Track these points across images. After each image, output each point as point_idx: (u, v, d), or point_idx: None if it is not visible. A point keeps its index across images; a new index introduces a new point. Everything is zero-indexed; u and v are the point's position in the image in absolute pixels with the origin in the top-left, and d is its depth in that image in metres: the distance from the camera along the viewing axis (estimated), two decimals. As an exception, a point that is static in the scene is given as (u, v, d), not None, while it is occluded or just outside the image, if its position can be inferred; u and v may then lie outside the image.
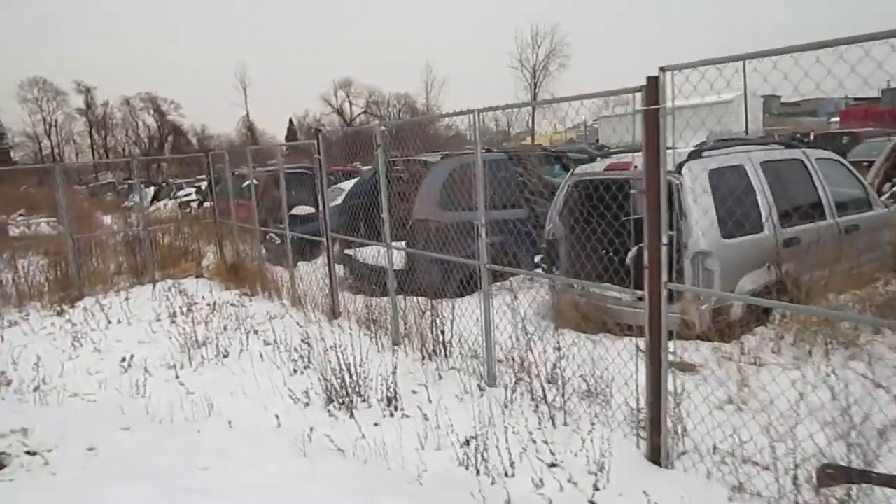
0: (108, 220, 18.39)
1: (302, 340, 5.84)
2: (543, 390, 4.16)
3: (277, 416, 4.25)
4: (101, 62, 78.00)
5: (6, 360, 6.03)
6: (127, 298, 8.51)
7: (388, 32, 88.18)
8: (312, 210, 11.16)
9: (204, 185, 19.55)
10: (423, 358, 5.35)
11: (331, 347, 5.68)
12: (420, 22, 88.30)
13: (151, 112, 61.64)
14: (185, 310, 7.55)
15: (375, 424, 4.16)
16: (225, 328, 6.70)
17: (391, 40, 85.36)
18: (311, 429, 3.97)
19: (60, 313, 8.10)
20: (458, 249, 6.85)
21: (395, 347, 5.78)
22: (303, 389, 4.73)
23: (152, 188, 26.32)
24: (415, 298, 6.52)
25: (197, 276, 9.73)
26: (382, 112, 70.54)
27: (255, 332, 6.42)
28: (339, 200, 11.19)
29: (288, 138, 66.94)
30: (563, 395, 4.13)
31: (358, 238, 7.25)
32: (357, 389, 4.60)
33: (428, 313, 5.60)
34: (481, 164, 4.82)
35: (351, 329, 6.37)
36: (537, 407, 4.13)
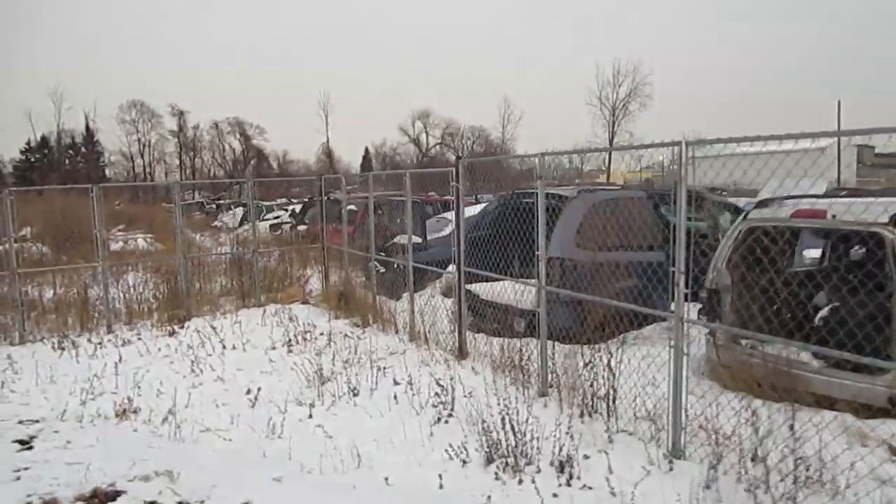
0: (198, 238, 18.72)
1: (437, 382, 5.34)
2: (765, 473, 3.48)
3: (441, 477, 3.73)
4: (194, 87, 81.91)
5: (128, 383, 5.79)
6: (236, 322, 8.27)
7: (469, 66, 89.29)
8: (419, 240, 10.83)
9: (296, 208, 19.66)
10: (582, 414, 4.74)
11: (469, 393, 5.21)
12: (500, 56, 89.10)
13: (238, 136, 64.03)
14: (300, 338, 7.21)
15: (555, 496, 3.58)
16: (347, 362, 6.28)
17: (471, 73, 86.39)
18: (489, 497, 3.42)
19: (172, 334, 7.92)
20: (595, 290, 6.30)
21: (543, 399, 5.19)
22: (457, 444, 4.20)
23: (240, 209, 26.85)
24: (555, 344, 5.99)
25: (303, 302, 9.45)
26: (456, 144, 71.01)
27: (381, 368, 5.96)
28: (447, 231, 10.84)
29: (363, 166, 68.16)
30: (783, 481, 3.44)
31: (489, 273, 6.74)
32: (521, 449, 4.03)
33: (582, 361, 4.99)
34: (542, 200, 4.23)
35: (484, 373, 5.84)
36: (754, 495, 3.45)
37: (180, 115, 61.62)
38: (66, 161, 57.99)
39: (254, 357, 6.70)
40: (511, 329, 7.09)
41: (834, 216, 4.91)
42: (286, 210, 22.78)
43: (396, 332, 7.61)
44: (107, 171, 58.88)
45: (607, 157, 62.87)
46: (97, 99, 75.75)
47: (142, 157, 61.90)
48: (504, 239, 7.47)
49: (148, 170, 61.97)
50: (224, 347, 7.07)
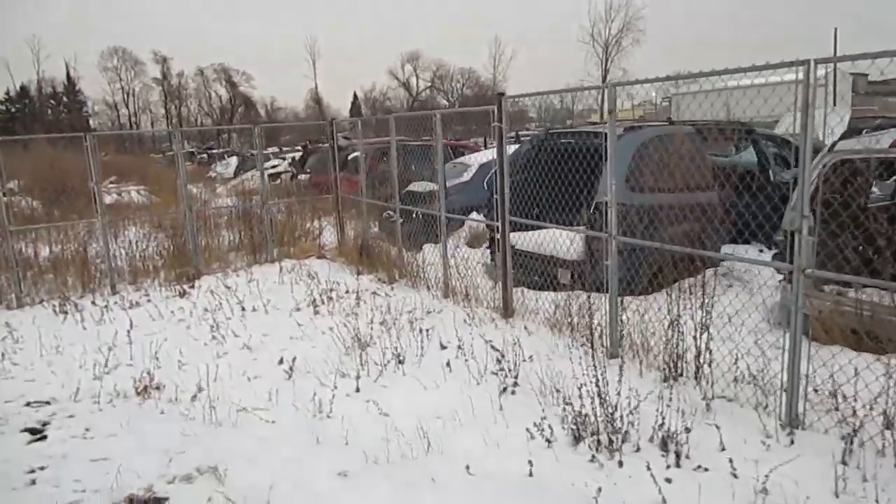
0: (194, 190, 17.90)
1: (492, 346, 4.79)
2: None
3: (531, 464, 3.19)
4: (178, 33, 78.63)
5: (144, 353, 5.20)
6: (252, 280, 7.65)
7: (459, 5, 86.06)
8: (434, 187, 10.13)
9: (295, 156, 18.79)
10: (666, 378, 4.21)
11: (529, 357, 4.67)
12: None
13: (224, 83, 61.94)
14: (325, 298, 6.61)
15: (668, 481, 3.06)
16: (383, 324, 5.71)
17: (460, 13, 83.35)
18: (599, 490, 2.89)
19: (183, 294, 7.31)
20: (651, 237, 5.74)
21: (614, 361, 4.64)
22: (535, 419, 3.66)
23: (234, 158, 25.88)
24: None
25: (319, 257, 8.82)
26: (446, 87, 69.13)
27: (422, 330, 5.39)
28: (466, 177, 10.13)
29: (352, 112, 66.28)
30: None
31: (531, 221, 6.09)
32: (613, 423, 3.50)
33: (666, 318, 4.43)
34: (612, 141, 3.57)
35: (538, 333, 5.29)
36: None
37: (164, 61, 59.42)
38: (49, 111, 56.07)
39: (278, 320, 6.11)
40: (553, 281, 6.53)
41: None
42: (284, 159, 21.87)
43: (428, 288, 7.02)
44: (91, 122, 57.01)
45: (600, 95, 61.57)
46: (77, 47, 73.02)
47: (126, 106, 59.98)
48: (540, 184, 6.81)
49: (133, 119, 60.13)
50: (244, 310, 6.47)
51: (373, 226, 9.92)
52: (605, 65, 63.37)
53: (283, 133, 46.13)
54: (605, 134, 6.65)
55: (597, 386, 3.64)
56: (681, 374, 4.21)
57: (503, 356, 4.46)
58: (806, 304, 5.14)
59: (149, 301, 7.10)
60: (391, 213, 9.42)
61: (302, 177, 15.94)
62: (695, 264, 6.61)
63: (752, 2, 76.31)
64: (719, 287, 6.17)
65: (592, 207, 6.25)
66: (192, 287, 7.60)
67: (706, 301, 4.27)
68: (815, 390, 3.68)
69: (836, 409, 3.53)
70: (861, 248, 5.00)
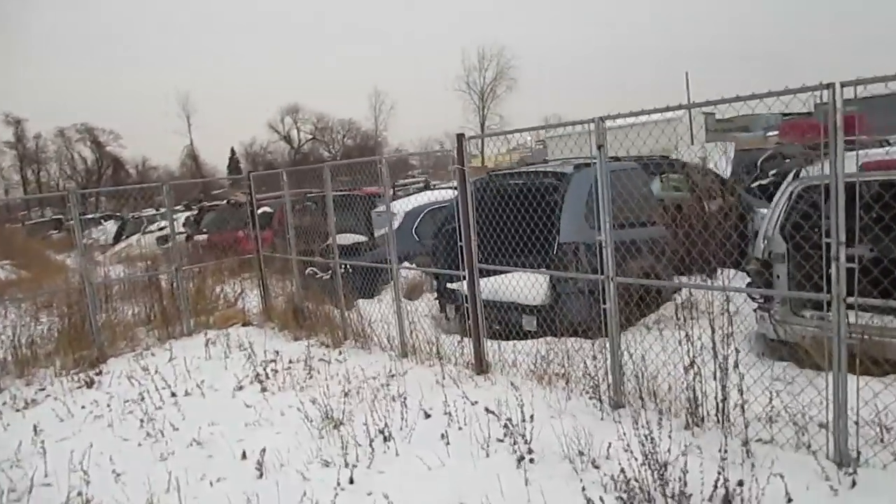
0: (69, 261, 16.11)
1: (487, 410, 4.32)
2: None
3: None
4: (32, 93, 72.88)
5: (63, 466, 4.22)
6: (172, 358, 6.70)
7: (336, 57, 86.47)
8: (363, 238, 9.58)
9: (190, 215, 17.47)
10: (688, 426, 3.90)
11: (530, 417, 4.21)
12: (368, 46, 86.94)
13: (88, 143, 57.73)
14: (269, 371, 5.84)
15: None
16: (348, 395, 5.07)
17: (338, 65, 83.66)
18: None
19: (91, 384, 6.23)
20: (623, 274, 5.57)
21: (618, 412, 4.29)
22: (573, 493, 3.20)
23: (111, 223, 23.88)
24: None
25: (244, 324, 7.95)
26: (328, 138, 68.60)
27: (396, 398, 4.82)
28: (394, 225, 9.68)
29: (230, 168, 63.91)
30: None
31: (496, 266, 5.72)
32: (664, 485, 3.12)
33: (681, 362, 4.14)
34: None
35: (526, 387, 4.86)
36: None
37: (17, 123, 54.56)
38: None
39: (221, 404, 5.29)
40: (516, 329, 6.18)
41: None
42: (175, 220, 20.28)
43: (382, 348, 6.42)
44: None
45: (479, 141, 63.64)
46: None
47: (-26, 173, 54.30)
48: (490, 228, 6.49)
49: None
50: (174, 395, 5.56)
51: (293, 284, 9.20)
52: (483, 112, 65.84)
53: (157, 194, 43.39)
54: (558, 172, 6.54)
55: (641, 444, 3.26)
56: (702, 420, 3.93)
57: (510, 421, 3.99)
58: (780, 331, 5.18)
59: (48, 396, 5.98)
60: (315, 269, 8.78)
61: (198, 237, 14.75)
62: (657, 299, 6.53)
63: (615, 45, 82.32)
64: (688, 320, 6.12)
65: (556, 248, 5.99)
66: (100, 374, 6.53)
67: (723, 334, 4.02)
68: (856, 423, 3.50)
69: (884, 440, 3.35)
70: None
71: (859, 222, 3.60)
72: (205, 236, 14.68)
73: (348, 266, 8.57)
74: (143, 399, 5.41)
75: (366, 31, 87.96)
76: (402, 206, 9.97)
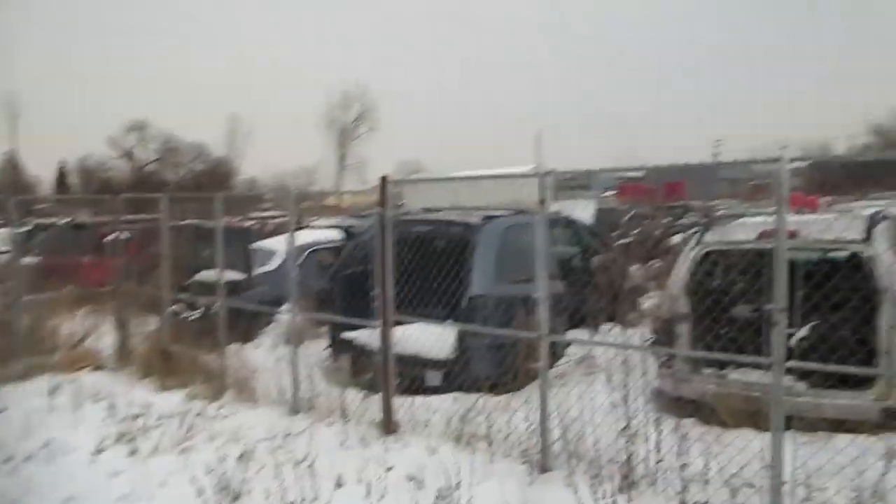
0: None
1: (408, 478, 3.96)
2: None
3: None
4: None
5: None
6: (3, 409, 5.57)
7: (192, 77, 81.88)
8: (238, 276, 8.78)
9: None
10: (622, 489, 3.79)
11: (455, 485, 3.93)
12: (226, 71, 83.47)
13: None
14: (139, 429, 5.02)
15: None
16: (242, 458, 4.45)
17: (195, 86, 79.12)
18: None
19: None
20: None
21: (546, 475, 4.11)
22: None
23: None
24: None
25: (96, 368, 6.87)
26: (176, 160, 64.19)
27: (298, 464, 4.29)
28: (274, 264, 9.06)
29: (58, 183, 57.48)
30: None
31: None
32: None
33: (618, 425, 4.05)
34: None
35: (442, 450, 4.55)
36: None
37: None
38: None
39: (77, 471, 4.40)
40: (418, 384, 5.85)
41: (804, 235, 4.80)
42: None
43: (270, 402, 5.78)
44: None
45: (338, 180, 62.99)
46: None
47: None
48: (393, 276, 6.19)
49: None
50: (10, 460, 4.56)
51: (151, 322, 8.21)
52: (343, 150, 65.55)
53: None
54: (466, 223, 6.42)
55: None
56: (635, 483, 3.86)
57: (441, 495, 3.65)
58: (679, 388, 5.35)
59: None
60: (179, 308, 7.91)
61: (28, 260, 12.79)
62: (553, 354, 6.54)
63: (480, 92, 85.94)
64: (579, 375, 6.16)
65: (466, 301, 5.81)
66: None
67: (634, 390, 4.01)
68: (784, 483, 3.58)
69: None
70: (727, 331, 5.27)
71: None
72: (36, 258, 12.79)
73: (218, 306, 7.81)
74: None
75: (229, 55, 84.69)
76: (282, 244, 9.34)
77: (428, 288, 5.68)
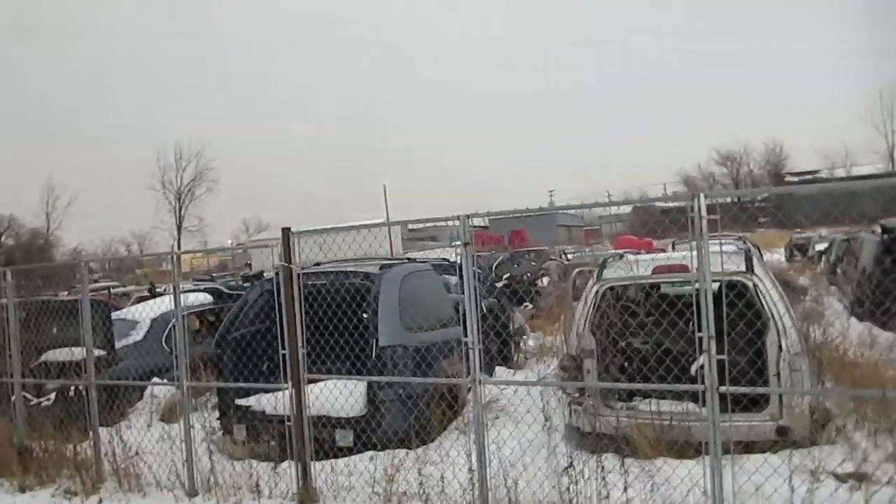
0: None
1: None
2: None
3: None
4: None
5: None
6: None
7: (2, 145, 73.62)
8: (100, 352, 7.77)
9: None
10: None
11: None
12: (36, 136, 76.25)
13: None
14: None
15: None
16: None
17: (4, 154, 71.10)
18: None
19: None
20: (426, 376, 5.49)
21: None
22: None
23: None
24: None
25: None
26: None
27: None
28: (138, 335, 8.20)
29: None
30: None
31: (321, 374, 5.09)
32: None
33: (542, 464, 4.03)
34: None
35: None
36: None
37: None
38: None
39: None
40: (327, 446, 5.50)
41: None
42: None
43: (160, 487, 5.11)
44: None
45: (177, 245, 59.11)
46: None
47: None
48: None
49: None
50: None
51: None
52: (180, 212, 62.07)
53: None
54: (364, 273, 6.24)
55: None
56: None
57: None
58: (590, 422, 5.49)
59: None
60: (27, 395, 6.90)
61: None
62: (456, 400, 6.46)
63: (315, 156, 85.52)
64: (491, 420, 6.13)
65: (375, 353, 5.59)
66: None
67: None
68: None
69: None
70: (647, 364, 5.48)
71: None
72: None
73: (78, 388, 6.90)
74: None
75: (41, 120, 77.53)
76: (144, 312, 8.50)
77: (332, 343, 5.43)
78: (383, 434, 5.39)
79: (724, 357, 3.50)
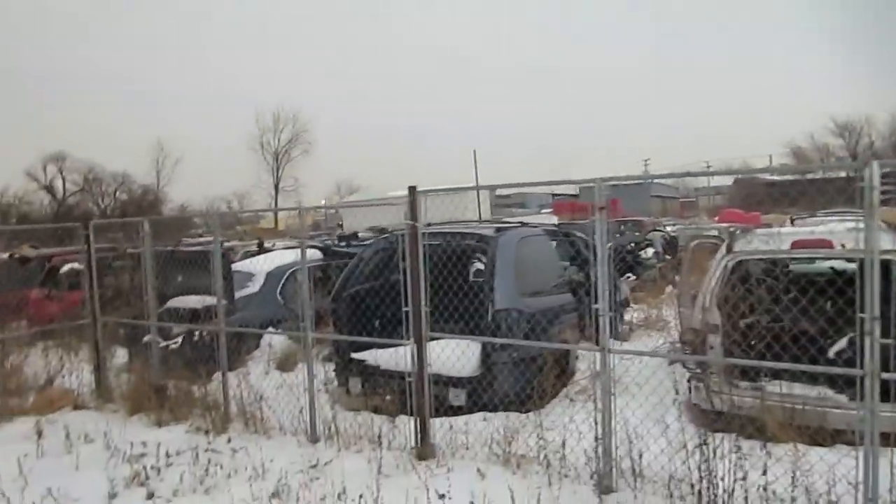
0: None
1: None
2: None
3: None
4: None
5: None
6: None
7: (113, 106, 78.69)
8: (210, 301, 8.22)
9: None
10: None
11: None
12: (150, 98, 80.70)
13: None
14: (148, 469, 4.54)
15: None
16: (275, 495, 4.08)
17: (118, 114, 75.94)
18: None
19: None
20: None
21: (615, 497, 3.93)
22: None
23: None
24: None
25: (76, 407, 6.24)
26: (97, 191, 61.07)
27: (343, 497, 3.96)
28: (255, 287, 8.56)
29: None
30: None
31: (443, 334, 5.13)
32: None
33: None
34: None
35: (491, 475, 4.30)
36: None
37: None
38: None
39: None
40: (439, 404, 5.58)
41: (843, 245, 4.82)
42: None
43: (284, 432, 5.38)
44: None
45: (274, 203, 61.58)
46: None
47: None
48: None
49: None
50: (13, 510, 4.02)
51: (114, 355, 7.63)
52: (277, 173, 64.26)
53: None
54: (480, 234, 6.22)
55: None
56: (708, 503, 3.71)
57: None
58: (713, 400, 5.27)
59: None
60: (156, 337, 7.36)
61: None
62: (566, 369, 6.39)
63: (409, 122, 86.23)
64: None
65: (490, 315, 5.59)
66: None
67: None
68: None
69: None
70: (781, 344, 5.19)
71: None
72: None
73: (203, 333, 7.32)
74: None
75: (152, 85, 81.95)
76: (261, 265, 8.88)
77: (447, 303, 5.45)
78: (494, 395, 5.41)
79: (891, 342, 3.22)
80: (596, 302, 4.03)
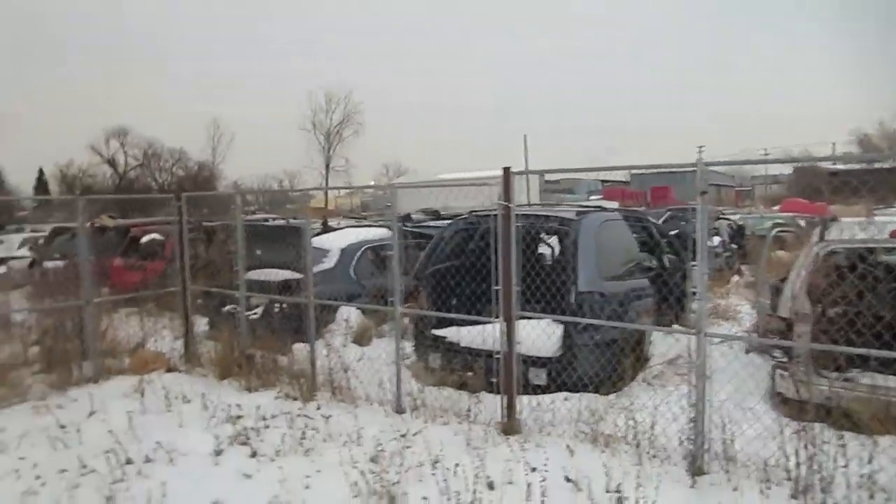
0: None
1: (567, 479, 3.80)
2: None
3: None
4: None
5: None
6: (92, 412, 5.30)
7: (170, 84, 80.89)
8: (295, 276, 8.50)
9: (39, 239, 14.71)
10: (795, 495, 3.67)
11: (615, 488, 3.78)
12: (206, 76, 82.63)
13: None
14: (248, 430, 4.79)
15: None
16: (373, 460, 4.26)
17: (175, 92, 77.99)
18: None
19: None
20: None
21: (707, 479, 3.98)
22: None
23: None
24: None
25: (168, 370, 6.58)
26: (155, 166, 62.98)
27: (435, 464, 4.12)
28: (329, 263, 8.78)
29: (38, 190, 56.28)
30: None
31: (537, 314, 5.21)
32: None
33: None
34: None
35: (580, 452, 4.38)
36: None
37: None
38: None
39: (206, 473, 4.17)
40: (522, 383, 5.68)
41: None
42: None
43: (370, 402, 5.57)
44: None
45: (324, 182, 62.59)
46: None
47: None
48: (480, 272, 5.99)
49: None
50: (129, 462, 4.30)
51: (196, 323, 7.94)
52: (328, 152, 65.00)
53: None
54: (562, 217, 6.26)
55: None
56: (805, 490, 3.72)
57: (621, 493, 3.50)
58: (801, 390, 5.22)
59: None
60: (236, 306, 7.63)
61: (49, 264, 12.40)
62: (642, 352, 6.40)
63: (461, 95, 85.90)
64: (678, 376, 6.03)
65: (574, 297, 5.65)
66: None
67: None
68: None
69: None
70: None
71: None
72: (57, 263, 12.38)
73: (283, 305, 7.58)
74: (87, 470, 4.12)
75: (209, 62, 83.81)
76: (335, 241, 9.11)
77: (529, 284, 5.52)
78: (574, 375, 5.48)
79: None
80: (693, 286, 4.04)
